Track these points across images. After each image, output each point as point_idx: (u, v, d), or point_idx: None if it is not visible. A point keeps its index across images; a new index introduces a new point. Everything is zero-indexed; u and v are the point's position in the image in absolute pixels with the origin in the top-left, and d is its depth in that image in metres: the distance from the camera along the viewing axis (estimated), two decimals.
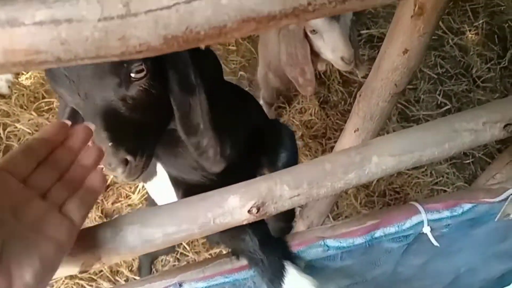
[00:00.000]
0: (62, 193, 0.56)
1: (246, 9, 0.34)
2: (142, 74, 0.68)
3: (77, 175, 0.59)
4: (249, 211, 0.63)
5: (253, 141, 1.03)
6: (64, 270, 0.59)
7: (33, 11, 0.31)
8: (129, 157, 0.69)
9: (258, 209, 0.63)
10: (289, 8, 0.35)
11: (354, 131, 0.85)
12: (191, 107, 0.76)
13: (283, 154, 1.05)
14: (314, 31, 1.64)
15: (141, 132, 0.72)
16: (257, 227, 0.85)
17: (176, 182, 1.03)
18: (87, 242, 0.60)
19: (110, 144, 0.67)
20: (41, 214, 0.52)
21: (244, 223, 0.65)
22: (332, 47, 1.60)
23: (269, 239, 0.86)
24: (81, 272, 0.60)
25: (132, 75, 0.67)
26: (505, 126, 0.69)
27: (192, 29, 0.34)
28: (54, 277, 0.54)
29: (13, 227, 0.49)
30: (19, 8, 0.31)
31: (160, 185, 1.06)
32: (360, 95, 0.78)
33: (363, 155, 0.66)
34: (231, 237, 0.86)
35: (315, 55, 1.77)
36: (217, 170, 0.85)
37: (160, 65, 0.72)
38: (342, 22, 1.62)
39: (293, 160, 1.07)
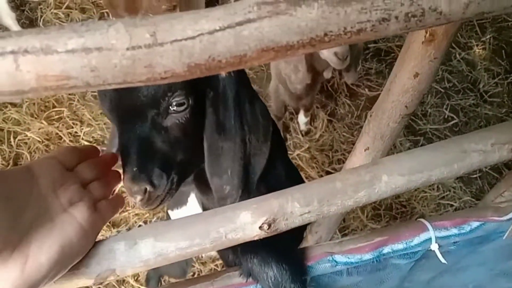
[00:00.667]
0: (99, 190, 0.63)
1: (266, 39, 0.36)
2: (182, 108, 0.69)
3: (111, 183, 0.67)
4: (260, 227, 0.64)
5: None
6: (79, 282, 0.60)
7: (65, 39, 0.33)
8: (149, 187, 0.70)
9: (269, 226, 0.64)
10: (307, 39, 0.37)
11: (365, 150, 0.86)
12: (223, 151, 0.75)
13: None
14: None
15: (168, 164, 0.72)
16: (281, 251, 0.85)
17: None
18: (102, 254, 0.61)
19: (135, 169, 0.68)
20: (76, 199, 0.57)
21: (255, 238, 0.66)
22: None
23: (292, 262, 0.86)
24: (95, 284, 0.61)
25: (172, 108, 0.68)
26: None
27: (214, 57, 0.35)
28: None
29: (50, 203, 0.53)
30: (52, 36, 0.33)
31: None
32: (370, 116, 0.80)
33: (373, 174, 0.67)
34: (247, 255, 0.85)
35: (320, 61, 1.77)
36: None
37: (202, 102, 0.72)
38: None
39: None
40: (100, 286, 2.09)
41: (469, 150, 0.68)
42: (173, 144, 0.71)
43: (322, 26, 0.36)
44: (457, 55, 2.88)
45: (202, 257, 1.60)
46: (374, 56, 2.86)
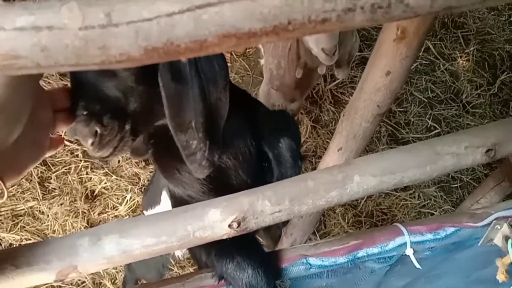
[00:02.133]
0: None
1: (226, 25, 0.35)
2: None
3: None
4: (229, 226, 0.63)
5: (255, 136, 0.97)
6: (39, 278, 0.58)
7: (14, 16, 0.32)
8: (99, 129, 0.68)
9: (239, 224, 0.63)
10: (269, 26, 0.36)
11: (338, 150, 0.85)
12: (183, 102, 0.73)
13: (285, 137, 0.96)
14: None
15: (120, 112, 0.70)
16: (252, 250, 0.84)
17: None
18: (64, 250, 0.59)
19: (85, 112, 0.66)
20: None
21: (224, 237, 0.64)
22: (316, 38, 1.57)
23: (267, 266, 0.85)
24: (56, 281, 0.59)
25: None
26: (487, 151, 0.70)
27: (173, 41, 0.34)
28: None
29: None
30: (0, 13, 0.32)
31: None
32: (343, 115, 0.79)
33: (345, 174, 0.66)
34: (221, 259, 0.84)
35: (312, 57, 1.76)
36: (201, 176, 0.81)
37: None
38: None
39: (296, 142, 1.00)
40: (76, 287, 2.05)
41: (442, 152, 0.68)
42: (124, 91, 0.69)
43: (285, 13, 0.35)
44: (441, 66, 2.92)
45: (179, 258, 1.57)
46: (359, 64, 2.87)
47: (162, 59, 0.35)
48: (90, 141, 0.68)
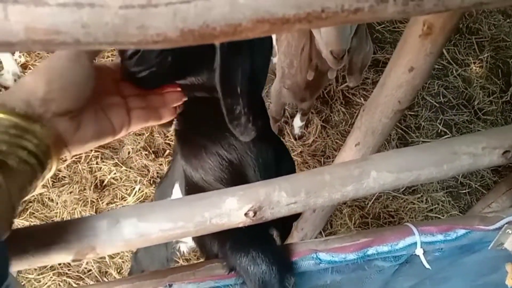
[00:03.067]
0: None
1: (261, 9, 0.35)
2: None
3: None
4: (245, 214, 0.63)
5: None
6: (57, 257, 0.59)
7: None
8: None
9: (255, 213, 0.63)
10: (303, 13, 0.36)
11: (355, 145, 0.85)
12: (233, 68, 0.74)
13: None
14: None
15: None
16: (266, 246, 0.84)
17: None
18: (83, 231, 0.60)
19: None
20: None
21: (240, 225, 0.65)
22: (326, 40, 1.57)
23: (281, 263, 0.85)
24: (74, 261, 0.60)
25: None
26: (504, 152, 0.71)
27: (208, 24, 0.35)
28: (44, 265, 0.55)
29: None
30: None
31: None
32: (363, 110, 0.79)
33: (362, 169, 0.66)
34: (236, 252, 0.83)
35: (322, 60, 1.76)
36: (247, 139, 0.81)
37: None
38: None
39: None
40: (83, 276, 2.07)
41: (460, 152, 0.68)
42: None
43: (319, 1, 0.36)
44: (454, 71, 2.91)
45: (184, 253, 1.58)
46: (371, 66, 2.87)
47: (197, 41, 0.36)
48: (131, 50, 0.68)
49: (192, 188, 0.94)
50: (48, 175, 0.56)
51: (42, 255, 0.58)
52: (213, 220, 0.62)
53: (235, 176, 0.88)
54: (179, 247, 1.37)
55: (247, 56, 0.75)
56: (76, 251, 0.59)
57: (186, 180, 0.95)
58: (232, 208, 0.63)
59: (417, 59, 0.62)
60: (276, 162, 0.98)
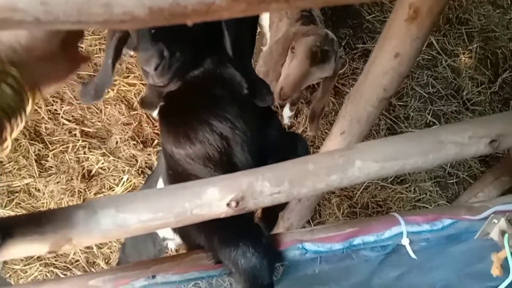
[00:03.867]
0: None
1: None
2: None
3: None
4: (227, 205, 0.62)
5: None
6: (32, 248, 0.57)
7: None
8: (166, 52, 0.71)
9: (237, 203, 0.62)
10: None
11: (340, 134, 0.84)
12: (240, 39, 0.79)
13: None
14: (293, 50, 1.68)
15: (182, 40, 0.74)
16: (256, 238, 0.84)
17: None
18: (59, 222, 0.58)
19: (152, 31, 0.69)
20: None
21: (222, 216, 0.64)
22: (286, 76, 1.65)
23: (271, 256, 0.85)
24: (50, 252, 0.58)
25: None
26: (491, 142, 0.70)
27: (179, 2, 0.33)
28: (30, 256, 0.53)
29: None
30: None
31: None
32: (348, 98, 0.78)
33: (347, 158, 0.65)
34: (225, 246, 0.82)
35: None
36: (266, 104, 0.88)
37: None
38: (314, 68, 1.66)
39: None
40: (70, 266, 2.04)
41: (446, 141, 0.67)
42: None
43: None
44: (443, 62, 2.90)
45: (172, 250, 1.57)
46: (361, 56, 2.85)
47: (167, 21, 0.34)
48: (155, 61, 0.71)
49: (173, 170, 0.92)
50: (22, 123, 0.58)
51: (15, 247, 0.56)
52: (194, 210, 0.61)
53: (222, 161, 0.86)
54: (167, 244, 1.35)
55: (248, 27, 0.80)
56: (51, 242, 0.57)
57: (167, 163, 0.93)
58: (213, 199, 0.61)
59: (403, 45, 0.61)
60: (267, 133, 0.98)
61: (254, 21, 0.86)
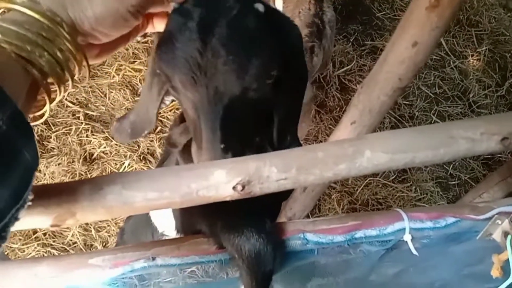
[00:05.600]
0: None
1: None
2: (271, 81, 0.69)
3: None
4: (234, 188, 0.61)
5: None
6: (36, 221, 0.57)
7: None
8: (229, 155, 0.69)
9: (243, 187, 0.61)
10: None
11: (351, 124, 0.83)
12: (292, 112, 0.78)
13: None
14: None
15: (246, 138, 0.73)
16: (260, 225, 0.83)
17: None
18: (64, 196, 0.58)
19: (222, 146, 0.67)
20: None
21: (227, 199, 0.63)
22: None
23: (275, 242, 0.85)
24: (52, 226, 0.57)
25: (268, 81, 0.68)
26: (502, 139, 0.69)
27: None
28: (28, 236, 0.53)
29: None
30: None
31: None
32: (361, 87, 0.77)
33: (356, 148, 0.64)
34: (228, 232, 0.82)
35: None
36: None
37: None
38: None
39: None
40: (67, 248, 2.05)
41: (457, 136, 0.66)
42: (258, 112, 0.72)
43: None
44: (451, 63, 2.89)
45: None
46: (369, 53, 2.84)
47: None
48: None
49: None
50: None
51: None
52: (200, 192, 0.60)
53: None
54: (164, 239, 1.36)
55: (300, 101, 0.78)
56: (55, 216, 0.57)
57: None
58: (220, 181, 0.61)
59: (422, 34, 0.60)
60: None
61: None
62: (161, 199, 0.59)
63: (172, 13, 0.67)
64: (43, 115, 0.62)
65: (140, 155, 2.30)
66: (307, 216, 2.02)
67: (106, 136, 2.31)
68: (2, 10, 0.58)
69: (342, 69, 2.70)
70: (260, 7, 0.69)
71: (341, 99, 2.64)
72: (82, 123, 2.32)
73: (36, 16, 0.54)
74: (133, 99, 2.41)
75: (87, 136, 2.31)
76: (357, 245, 0.96)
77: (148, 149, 2.33)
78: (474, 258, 1.14)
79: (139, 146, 2.33)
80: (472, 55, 2.95)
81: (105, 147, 2.29)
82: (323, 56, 1.65)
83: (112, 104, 2.41)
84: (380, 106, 0.76)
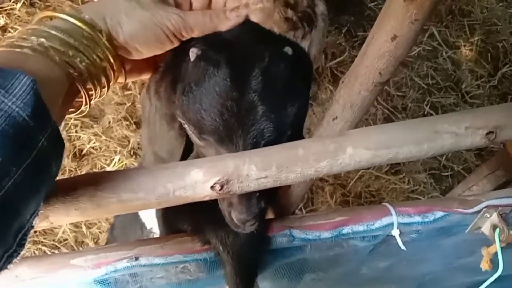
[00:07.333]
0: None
1: None
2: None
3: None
4: (212, 187, 0.59)
5: None
6: None
7: None
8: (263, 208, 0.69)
9: (222, 187, 0.59)
10: None
11: (333, 119, 0.82)
12: None
13: None
14: None
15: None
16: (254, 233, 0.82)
17: None
18: None
19: (257, 194, 0.65)
20: None
21: (206, 199, 0.61)
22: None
23: (263, 239, 0.84)
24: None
25: None
26: (487, 133, 0.67)
27: None
28: None
29: None
30: None
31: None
32: (342, 82, 0.75)
33: (338, 144, 0.63)
34: (213, 227, 0.81)
35: None
36: None
37: None
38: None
39: None
40: (58, 245, 2.04)
41: (442, 131, 0.65)
42: None
43: None
44: (444, 53, 2.87)
45: None
46: (362, 44, 2.75)
47: None
48: (253, 223, 0.68)
49: None
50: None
51: None
52: (177, 192, 0.58)
53: None
54: (153, 236, 1.34)
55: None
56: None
57: None
58: (197, 180, 0.59)
59: (401, 27, 0.58)
60: None
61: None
62: (135, 200, 0.58)
63: (197, 59, 0.64)
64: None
65: (130, 150, 2.28)
66: (300, 210, 2.01)
67: (96, 132, 2.29)
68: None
69: (335, 61, 2.68)
70: (289, 51, 0.67)
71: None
72: (71, 118, 2.29)
73: (79, 23, 0.57)
74: (123, 93, 2.38)
75: (76, 131, 2.28)
76: (346, 240, 0.95)
77: (138, 144, 2.31)
78: (464, 251, 1.13)
79: (129, 141, 2.31)
80: (465, 45, 2.94)
81: (94, 143, 2.27)
82: (315, 48, 1.63)
83: (101, 99, 2.38)
84: (361, 101, 0.74)
